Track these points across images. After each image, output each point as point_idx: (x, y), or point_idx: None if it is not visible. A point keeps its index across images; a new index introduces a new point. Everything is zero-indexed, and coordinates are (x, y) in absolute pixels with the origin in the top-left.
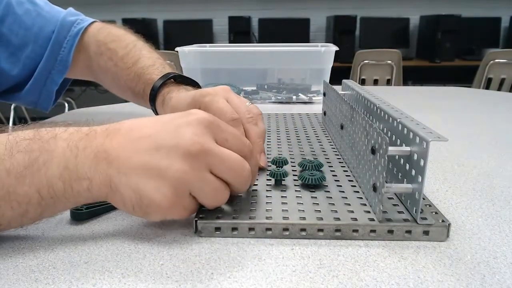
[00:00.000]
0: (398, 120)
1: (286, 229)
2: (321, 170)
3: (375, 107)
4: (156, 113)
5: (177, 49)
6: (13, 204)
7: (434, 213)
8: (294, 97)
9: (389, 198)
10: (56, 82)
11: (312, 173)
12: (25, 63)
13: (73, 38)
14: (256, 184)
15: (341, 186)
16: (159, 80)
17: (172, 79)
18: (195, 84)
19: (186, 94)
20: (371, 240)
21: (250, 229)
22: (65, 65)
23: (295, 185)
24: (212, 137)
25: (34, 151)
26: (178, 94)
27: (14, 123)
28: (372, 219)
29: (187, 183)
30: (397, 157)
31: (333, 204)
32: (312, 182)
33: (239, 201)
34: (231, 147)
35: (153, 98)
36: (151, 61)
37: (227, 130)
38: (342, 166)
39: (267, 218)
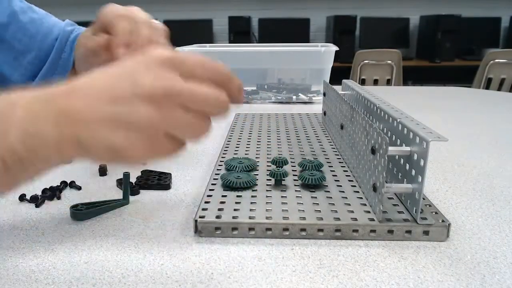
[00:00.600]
0: (398, 120)
1: (286, 229)
2: (321, 170)
3: (375, 107)
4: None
5: (177, 49)
6: None
7: (434, 213)
8: (294, 97)
9: (389, 198)
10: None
11: (312, 173)
12: (27, 68)
13: (71, 42)
14: (256, 184)
15: (341, 186)
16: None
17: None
18: None
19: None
20: (371, 240)
21: (250, 229)
22: (66, 67)
23: (295, 185)
24: (175, 73)
25: None
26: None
27: None
28: (372, 219)
29: (157, 128)
30: (397, 157)
31: (333, 204)
32: (312, 182)
33: (239, 201)
34: (201, 78)
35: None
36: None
37: (191, 61)
38: (342, 166)
39: (267, 218)
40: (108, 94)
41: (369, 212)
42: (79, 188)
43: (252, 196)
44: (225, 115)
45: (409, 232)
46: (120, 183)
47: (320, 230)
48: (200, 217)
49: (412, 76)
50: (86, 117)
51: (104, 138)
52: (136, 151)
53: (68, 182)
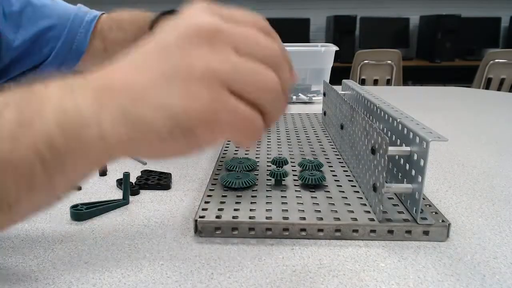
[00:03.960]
0: (398, 120)
1: (286, 229)
2: (321, 170)
3: (375, 107)
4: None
5: None
6: (15, 175)
7: (434, 213)
8: (294, 97)
9: (389, 198)
10: (71, 68)
11: (312, 173)
12: (45, 46)
13: (88, 24)
14: (256, 184)
15: (341, 186)
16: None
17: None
18: None
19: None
20: (371, 240)
21: (250, 229)
22: (80, 51)
23: (295, 185)
24: (228, 46)
25: (23, 103)
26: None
27: None
28: (372, 219)
29: (219, 76)
30: (397, 157)
31: (333, 204)
32: (312, 182)
33: (239, 201)
34: (253, 55)
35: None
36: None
37: (243, 34)
38: (342, 166)
39: (267, 218)
40: (157, 64)
41: (369, 212)
42: (79, 188)
43: (252, 196)
44: (279, 110)
45: (409, 232)
46: (120, 183)
47: (320, 230)
48: (200, 217)
49: (412, 76)
50: (132, 85)
51: (158, 101)
52: (202, 105)
53: None
